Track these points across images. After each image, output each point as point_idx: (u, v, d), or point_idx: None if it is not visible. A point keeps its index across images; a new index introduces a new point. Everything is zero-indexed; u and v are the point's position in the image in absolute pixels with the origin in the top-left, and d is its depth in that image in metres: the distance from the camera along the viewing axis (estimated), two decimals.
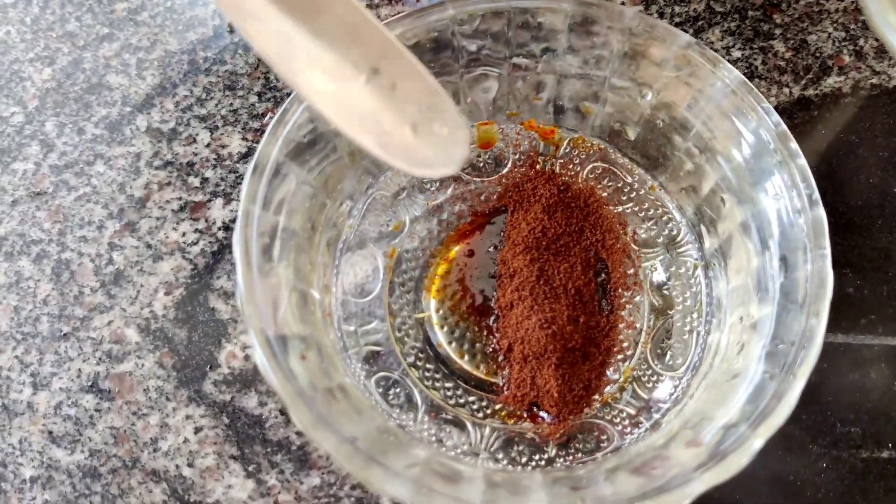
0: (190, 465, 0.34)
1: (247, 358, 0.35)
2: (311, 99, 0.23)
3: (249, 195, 0.29)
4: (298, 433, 0.34)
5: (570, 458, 0.31)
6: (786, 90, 0.39)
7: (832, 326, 0.34)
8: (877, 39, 0.40)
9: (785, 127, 0.29)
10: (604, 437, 0.32)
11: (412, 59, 0.24)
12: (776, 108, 0.38)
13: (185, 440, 0.34)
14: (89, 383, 0.35)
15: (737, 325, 0.30)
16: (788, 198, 0.29)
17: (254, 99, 0.39)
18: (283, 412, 0.34)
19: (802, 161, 0.29)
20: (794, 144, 0.29)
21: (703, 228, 0.33)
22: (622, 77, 0.32)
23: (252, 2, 0.22)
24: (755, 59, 0.39)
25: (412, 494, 0.25)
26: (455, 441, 0.32)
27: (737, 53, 0.39)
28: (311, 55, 0.23)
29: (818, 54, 0.40)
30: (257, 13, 0.22)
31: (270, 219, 0.29)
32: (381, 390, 0.32)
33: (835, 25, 0.40)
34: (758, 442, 0.26)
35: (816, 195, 0.28)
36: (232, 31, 0.40)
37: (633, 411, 0.32)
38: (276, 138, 0.29)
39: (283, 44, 0.22)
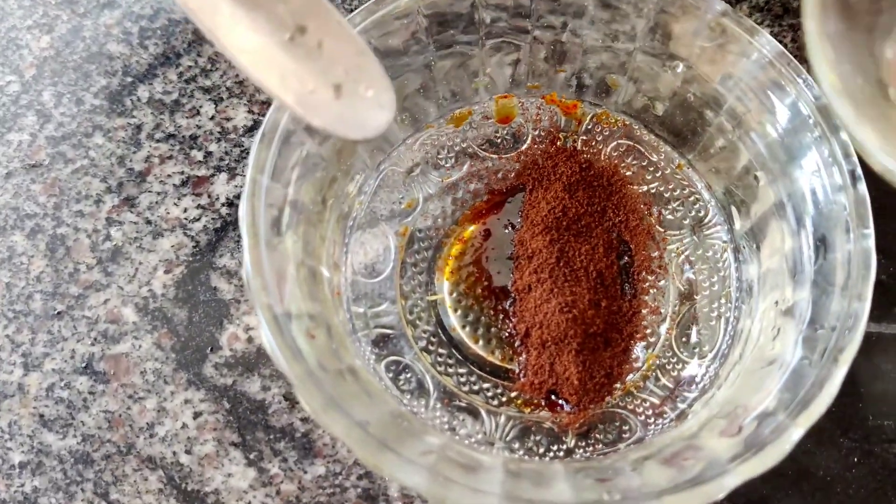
0: (188, 452, 0.32)
1: (250, 340, 0.33)
2: (234, 55, 0.22)
3: (257, 164, 0.27)
4: (303, 419, 0.32)
5: (591, 449, 0.30)
6: None
7: (870, 315, 0.33)
8: None
9: (826, 100, 0.27)
10: (626, 428, 0.30)
11: (340, 18, 0.24)
12: None
13: (184, 426, 0.32)
14: (83, 364, 0.33)
15: (770, 310, 0.29)
16: (828, 175, 0.27)
17: None
18: (287, 397, 0.32)
19: (845, 136, 0.27)
20: (836, 119, 0.27)
21: (734, 209, 0.31)
22: (651, 48, 0.31)
23: None
24: (785, 38, 0.38)
25: (428, 483, 0.24)
26: (469, 430, 0.30)
27: (765, 31, 0.38)
28: (234, 10, 0.22)
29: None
30: None
31: (279, 190, 0.28)
32: (391, 375, 0.31)
33: None
34: (797, 432, 0.24)
35: (859, 171, 0.27)
36: None
37: (657, 401, 0.30)
38: (283, 108, 0.28)
39: None
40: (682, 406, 0.30)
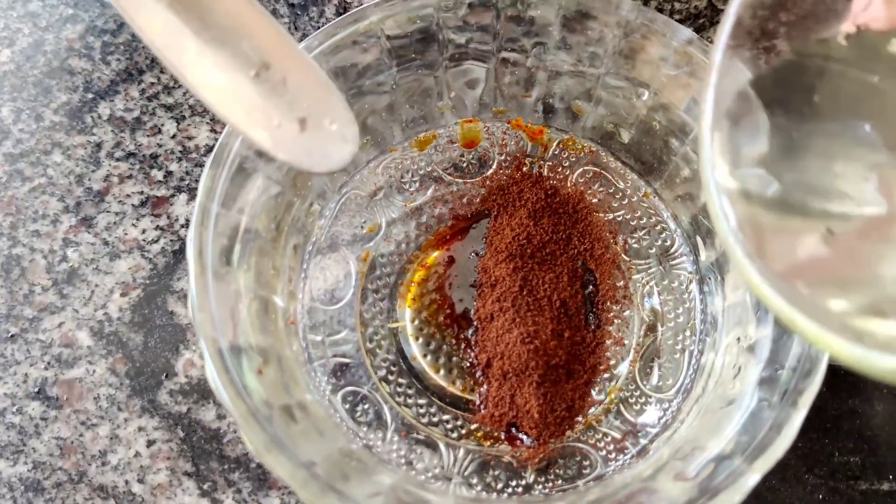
0: (140, 482, 0.31)
1: (205, 367, 0.32)
2: (199, 91, 0.23)
3: (207, 191, 0.26)
4: None
5: (550, 485, 0.29)
6: None
7: None
8: None
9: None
10: (586, 463, 0.29)
11: (303, 53, 0.25)
12: None
13: (137, 454, 0.32)
14: (36, 389, 0.32)
15: (733, 346, 0.28)
16: None
17: None
18: None
19: None
20: None
21: (700, 239, 0.31)
22: (617, 75, 0.30)
23: None
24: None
25: None
26: (426, 463, 0.29)
27: None
28: (200, 48, 0.23)
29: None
30: (145, 4, 0.22)
31: (231, 218, 0.27)
32: (347, 406, 0.30)
33: None
34: (753, 478, 0.23)
35: None
36: None
37: (618, 435, 0.30)
38: (237, 133, 0.27)
39: (172, 36, 0.22)
40: (643, 441, 0.29)
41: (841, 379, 0.32)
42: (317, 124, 0.24)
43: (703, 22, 0.38)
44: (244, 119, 0.23)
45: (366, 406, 0.30)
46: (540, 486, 0.29)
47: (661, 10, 0.38)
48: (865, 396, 0.32)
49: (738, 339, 0.28)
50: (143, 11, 0.22)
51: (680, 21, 0.38)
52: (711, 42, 0.37)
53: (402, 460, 0.29)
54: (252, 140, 0.24)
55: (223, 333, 0.25)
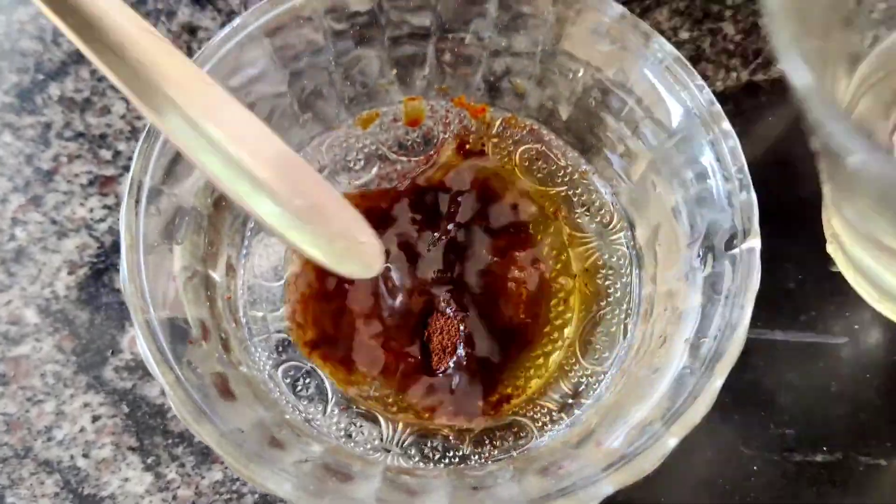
0: (85, 456, 0.32)
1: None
2: (266, 220, 0.25)
3: (140, 166, 0.27)
4: None
5: (486, 456, 0.30)
6: (734, 74, 0.37)
7: (770, 323, 0.33)
8: None
9: (718, 106, 0.27)
10: (522, 435, 0.30)
11: (326, 183, 0.27)
12: (723, 93, 0.37)
13: (82, 429, 0.32)
14: None
15: (662, 315, 0.28)
16: (719, 182, 0.27)
17: None
18: None
19: (734, 142, 0.27)
20: (726, 124, 0.27)
21: (636, 214, 0.31)
22: (553, 52, 0.30)
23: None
24: (703, 42, 0.37)
25: (295, 491, 0.23)
26: (366, 436, 0.30)
27: (684, 35, 0.38)
28: (254, 185, 0.25)
29: (768, 38, 0.38)
30: (203, 149, 0.24)
31: (165, 193, 0.27)
32: (288, 380, 0.30)
33: None
34: (671, 441, 0.24)
35: (748, 178, 0.26)
36: None
37: (555, 407, 0.30)
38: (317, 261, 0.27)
39: (232, 178, 0.24)
40: (577, 412, 0.30)
41: (779, 352, 0.32)
42: (354, 239, 0.26)
43: (650, 2, 0.38)
44: (308, 243, 0.26)
45: (307, 381, 0.31)
46: (476, 457, 0.29)
47: None
48: (802, 370, 0.32)
49: (666, 308, 0.28)
50: (203, 157, 0.24)
51: (628, 2, 0.38)
52: (656, 26, 0.37)
53: (342, 433, 0.30)
54: (316, 260, 0.26)
55: (153, 305, 0.25)
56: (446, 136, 0.34)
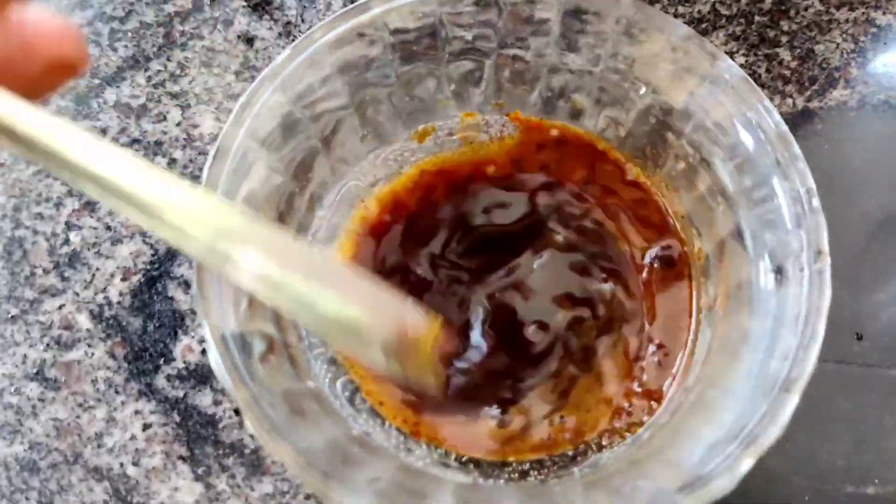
0: (135, 464, 0.31)
1: (204, 353, 0.33)
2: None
3: (210, 181, 0.27)
4: (253, 436, 0.31)
5: (546, 471, 0.29)
6: (789, 101, 0.37)
7: (826, 352, 0.32)
8: (885, 53, 0.38)
9: (786, 127, 0.27)
10: (581, 450, 0.29)
11: None
12: None
13: (133, 437, 0.32)
14: (35, 370, 0.33)
15: (727, 336, 0.28)
16: (786, 204, 0.27)
17: (230, 77, 0.37)
18: (237, 412, 0.32)
19: (803, 164, 0.27)
20: (795, 147, 0.27)
21: (695, 232, 0.31)
22: (616, 70, 0.30)
23: None
24: (759, 67, 0.38)
25: None
26: (423, 450, 0.30)
27: (740, 59, 0.38)
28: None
29: (825, 65, 0.38)
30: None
31: (233, 204, 0.27)
32: (347, 394, 0.30)
33: (844, 36, 0.39)
34: (746, 463, 0.24)
35: (817, 202, 0.26)
36: (212, 3, 0.38)
37: (616, 424, 0.30)
38: (242, 121, 0.27)
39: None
40: (639, 430, 0.30)
41: (831, 381, 0.32)
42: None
43: (706, 26, 0.39)
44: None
45: (364, 394, 0.30)
46: (535, 472, 0.29)
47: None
48: (856, 400, 0.32)
49: (734, 330, 0.28)
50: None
51: None
52: (721, 43, 0.37)
53: (402, 446, 0.30)
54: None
55: (226, 320, 0.25)
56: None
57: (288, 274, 0.19)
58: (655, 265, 0.32)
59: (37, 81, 0.17)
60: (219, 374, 0.24)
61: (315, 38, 0.29)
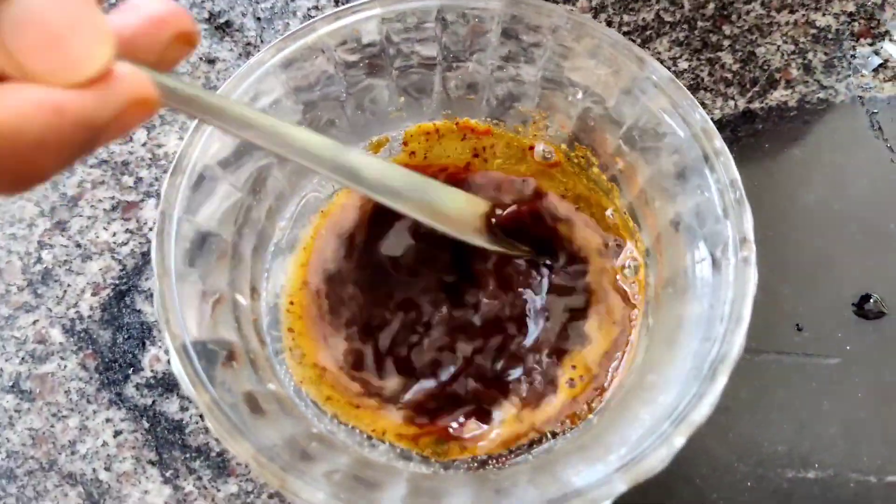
0: (107, 469, 0.33)
1: (170, 361, 0.34)
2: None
3: (168, 198, 0.28)
4: (218, 439, 0.33)
5: (504, 459, 0.30)
6: (731, 102, 0.39)
7: (767, 343, 0.34)
8: (826, 53, 0.40)
9: (711, 123, 0.29)
10: (537, 438, 0.31)
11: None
12: (720, 120, 0.38)
13: (104, 443, 0.33)
14: (10, 383, 0.34)
15: (666, 324, 0.29)
16: (716, 196, 0.28)
17: None
18: (203, 418, 0.33)
19: (727, 157, 0.28)
20: (718, 142, 0.28)
21: (637, 226, 0.33)
22: (554, 76, 0.32)
23: None
24: (702, 71, 0.39)
25: (328, 500, 0.24)
26: (387, 445, 0.31)
27: (683, 64, 0.39)
28: None
29: (766, 67, 0.40)
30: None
31: (192, 223, 0.29)
32: (311, 394, 0.31)
33: (784, 38, 0.40)
34: (678, 440, 0.25)
35: (741, 191, 0.28)
36: None
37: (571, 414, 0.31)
38: (198, 139, 0.29)
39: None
40: (590, 417, 0.31)
41: (771, 371, 0.33)
42: None
43: (651, 33, 0.40)
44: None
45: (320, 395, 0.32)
46: (493, 461, 0.30)
47: (610, 23, 0.41)
48: (795, 389, 0.33)
49: (671, 315, 0.29)
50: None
51: (628, 33, 0.40)
52: (656, 55, 0.39)
53: (366, 443, 0.31)
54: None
55: (187, 330, 0.27)
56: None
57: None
58: (599, 261, 0.33)
59: (161, 55, 0.20)
60: (180, 381, 0.26)
61: (264, 60, 0.30)
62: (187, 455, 0.33)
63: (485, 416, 0.31)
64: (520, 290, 0.33)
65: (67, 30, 0.17)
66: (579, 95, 0.32)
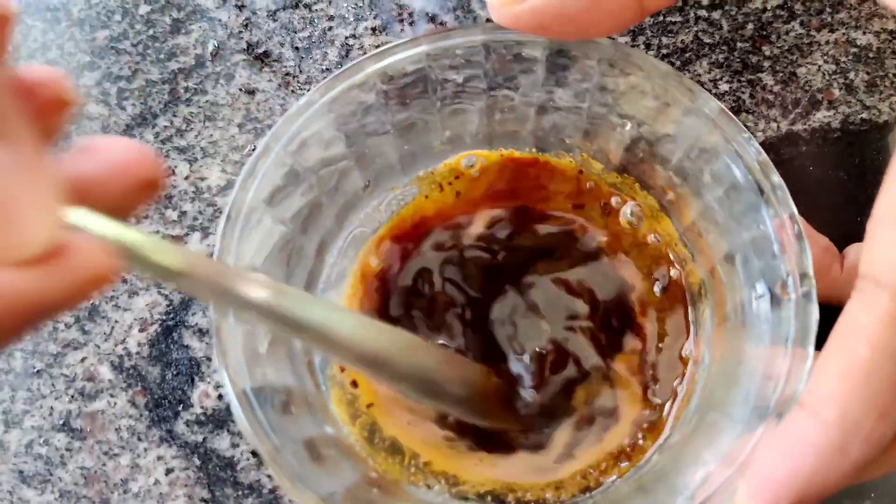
0: None
1: (220, 397, 0.34)
2: None
3: (224, 246, 0.28)
4: (270, 476, 0.33)
5: (561, 500, 0.30)
6: (773, 125, 0.38)
7: None
8: (867, 72, 0.40)
9: (766, 156, 0.28)
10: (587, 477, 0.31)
11: None
12: (763, 143, 0.38)
13: (156, 482, 0.33)
14: (61, 422, 0.34)
15: (725, 360, 0.29)
16: (772, 230, 0.28)
17: (234, 130, 0.38)
18: (255, 454, 0.33)
19: (784, 192, 0.28)
20: (776, 176, 0.28)
21: (689, 257, 0.32)
22: (601, 108, 0.32)
23: None
24: (743, 93, 0.39)
25: None
26: (441, 486, 0.31)
27: (724, 87, 0.39)
28: None
29: (807, 87, 0.39)
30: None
31: (244, 265, 0.29)
32: (366, 433, 0.31)
33: (825, 58, 0.40)
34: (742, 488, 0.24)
35: (800, 228, 0.27)
36: (214, 59, 0.39)
37: (626, 450, 0.31)
38: (248, 185, 0.28)
39: None
40: (647, 454, 0.31)
41: None
42: None
43: (690, 56, 0.40)
44: None
45: (383, 435, 0.32)
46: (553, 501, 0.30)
47: (648, 46, 0.40)
48: None
49: (730, 352, 0.29)
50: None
51: (667, 55, 0.40)
52: (696, 78, 0.39)
53: (421, 483, 0.31)
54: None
55: (245, 375, 0.27)
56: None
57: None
58: (652, 292, 0.33)
59: (121, 201, 0.19)
60: (242, 428, 0.26)
61: (313, 101, 0.30)
62: (239, 493, 0.33)
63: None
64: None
65: (12, 200, 0.15)
66: (628, 126, 0.32)
